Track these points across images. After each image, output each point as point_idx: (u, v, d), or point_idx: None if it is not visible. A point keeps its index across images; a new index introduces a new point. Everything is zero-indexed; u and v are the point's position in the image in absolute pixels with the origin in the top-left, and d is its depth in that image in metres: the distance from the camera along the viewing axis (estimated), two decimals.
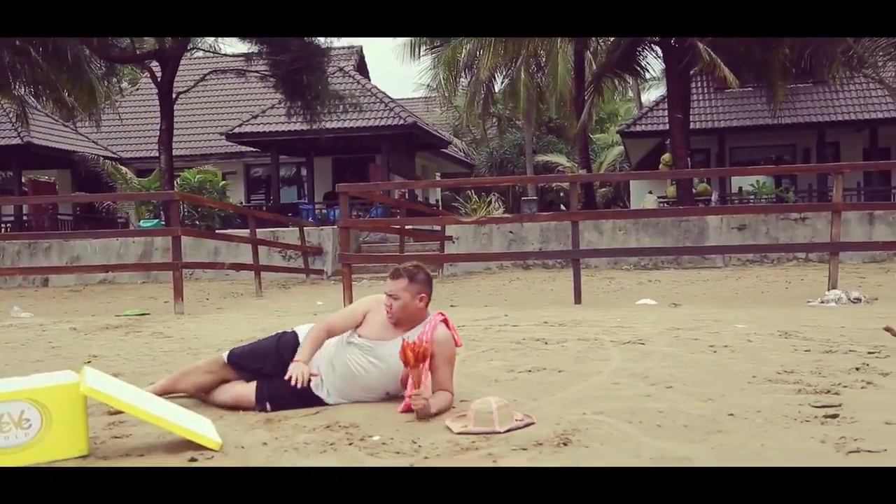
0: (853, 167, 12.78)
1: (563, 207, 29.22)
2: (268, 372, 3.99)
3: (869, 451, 2.82)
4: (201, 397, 4.12)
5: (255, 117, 24.21)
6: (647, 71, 24.35)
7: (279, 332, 4.24)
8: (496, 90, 30.62)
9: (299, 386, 3.74)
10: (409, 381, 3.80)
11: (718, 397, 3.75)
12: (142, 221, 19.91)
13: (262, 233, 14.53)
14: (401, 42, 31.71)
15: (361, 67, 30.46)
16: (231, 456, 3.20)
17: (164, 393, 4.12)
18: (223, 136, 24.67)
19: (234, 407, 3.94)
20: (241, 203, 24.77)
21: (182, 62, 21.08)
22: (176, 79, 20.03)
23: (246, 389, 3.95)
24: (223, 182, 23.01)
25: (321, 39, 19.11)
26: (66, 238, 16.49)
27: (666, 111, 24.24)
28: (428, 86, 37.57)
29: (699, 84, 24.24)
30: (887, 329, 4.17)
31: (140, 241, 16.51)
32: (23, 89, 20.63)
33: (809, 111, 22.87)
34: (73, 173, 25.29)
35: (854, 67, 18.18)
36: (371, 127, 23.29)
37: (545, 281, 12.12)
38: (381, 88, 25.87)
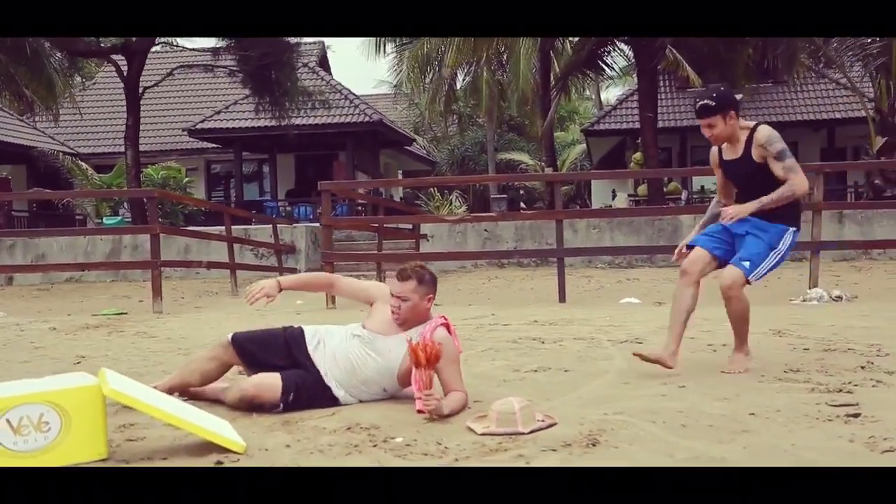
0: (834, 167, 12.97)
1: (523, 206, 29.34)
2: (274, 361, 3.93)
3: None
4: (218, 396, 4.04)
5: (217, 113, 23.96)
6: (612, 69, 24.58)
7: (284, 326, 4.17)
8: (458, 87, 30.65)
9: (255, 298, 3.86)
10: (416, 381, 3.80)
11: (734, 397, 3.78)
12: (105, 219, 19.59)
13: (232, 231, 14.32)
14: (366, 38, 31.57)
15: (324, 63, 30.29)
16: (256, 458, 3.16)
17: (175, 390, 4.06)
18: (185, 132, 24.37)
19: (252, 399, 3.79)
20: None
21: (148, 56, 20.77)
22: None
23: (270, 377, 3.82)
24: (186, 179, 22.77)
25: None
26: (32, 236, 16.14)
27: (629, 109, 24.55)
28: (390, 83, 37.65)
29: (662, 83, 24.51)
30: (638, 355, 4.37)
31: (108, 239, 16.23)
32: None
33: (769, 111, 23.23)
34: (28, 169, 24.74)
35: (819, 69, 18.49)
36: (336, 124, 23.18)
37: (524, 279, 12.16)
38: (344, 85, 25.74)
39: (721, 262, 4.44)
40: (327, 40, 32.47)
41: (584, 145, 29.44)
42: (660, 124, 22.37)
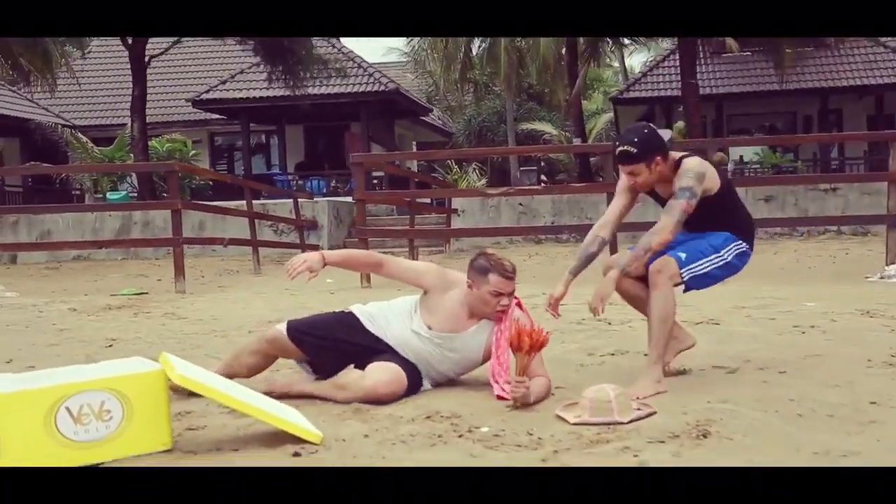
0: None
1: (544, 179, 29.11)
2: (343, 348, 3.85)
3: None
4: (303, 392, 3.86)
5: (223, 82, 23.76)
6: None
7: (333, 311, 4.08)
8: (474, 54, 30.39)
9: (297, 272, 3.74)
10: (497, 365, 3.76)
11: (846, 384, 3.65)
12: (109, 194, 19.51)
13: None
14: None
15: None
16: (334, 450, 3.06)
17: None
18: (188, 103, 24.22)
19: (380, 396, 3.66)
20: None
21: None
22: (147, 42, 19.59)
23: (390, 369, 3.71)
24: (192, 151, 22.66)
25: None
26: (37, 212, 16.07)
27: (659, 77, 24.31)
28: (401, 50, 37.39)
29: (696, 48, 24.23)
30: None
31: (117, 216, 16.18)
32: None
33: (812, 77, 22.91)
34: (23, 142, 24.64)
35: None
36: (350, 93, 22.98)
37: (566, 257, 11.99)
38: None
39: None
40: None
41: (611, 114, 29.15)
42: None
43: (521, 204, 15.02)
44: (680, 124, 20.18)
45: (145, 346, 5.54)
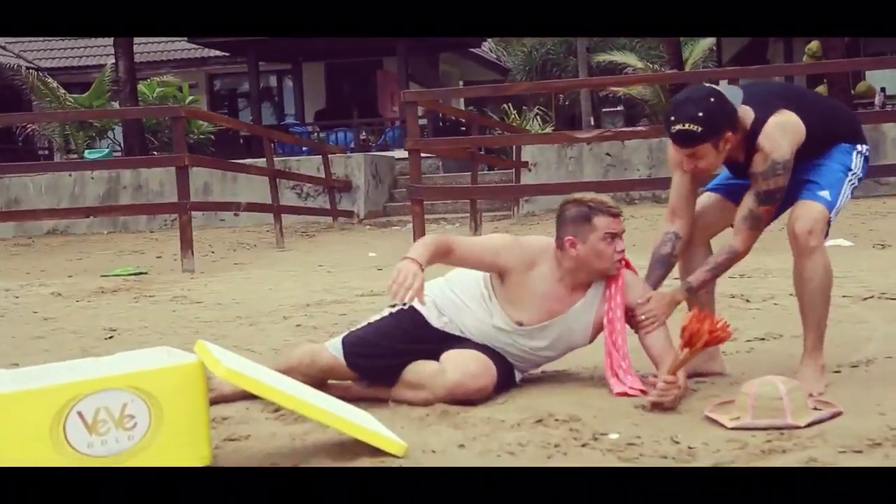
0: None
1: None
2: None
3: None
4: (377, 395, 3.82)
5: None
6: None
7: (387, 311, 3.93)
8: None
9: (407, 298, 3.44)
10: (615, 350, 3.70)
11: None
12: (87, 153, 19.61)
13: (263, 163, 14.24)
14: None
15: None
16: (424, 464, 2.96)
17: None
18: (183, 37, 24.23)
19: (467, 394, 3.62)
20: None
21: None
22: None
23: (478, 358, 3.67)
24: (190, 97, 22.71)
25: None
26: (2, 172, 16.19)
27: None
28: None
29: None
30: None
31: (101, 179, 16.25)
32: None
33: None
34: None
35: None
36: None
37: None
38: None
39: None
40: None
41: (711, 40, 28.75)
42: None
43: (608, 154, 14.68)
44: (813, 45, 19.70)
45: (155, 336, 5.55)
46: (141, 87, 21.49)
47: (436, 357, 3.70)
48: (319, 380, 3.81)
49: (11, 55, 25.46)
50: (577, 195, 3.78)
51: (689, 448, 3.00)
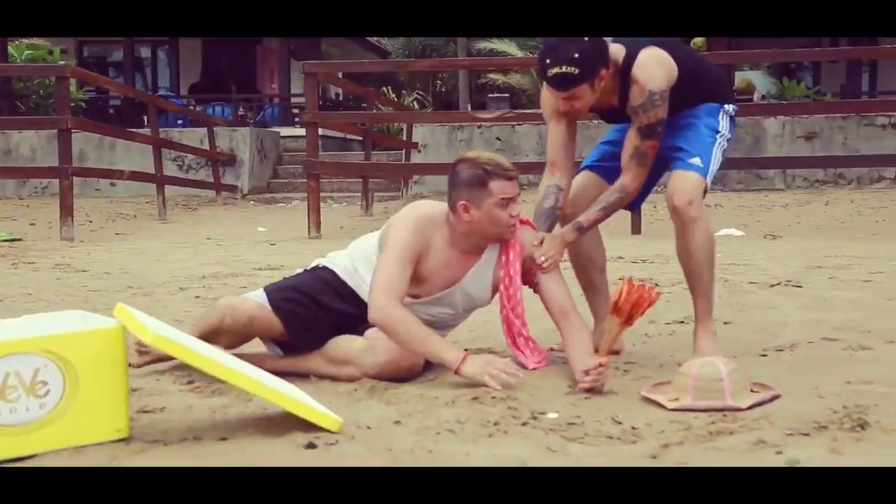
0: None
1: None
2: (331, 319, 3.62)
3: None
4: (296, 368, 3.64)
5: None
6: None
7: (307, 268, 3.83)
8: None
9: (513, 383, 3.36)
10: (516, 318, 3.67)
11: None
12: None
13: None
14: None
15: None
16: (360, 440, 2.80)
17: None
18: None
19: (398, 368, 3.50)
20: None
21: None
22: None
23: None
24: (62, 62, 21.92)
25: None
26: None
27: None
28: None
29: None
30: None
31: None
32: None
33: None
34: None
35: None
36: None
37: None
38: None
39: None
40: None
41: None
42: None
43: (498, 139, 14.76)
44: (699, 40, 19.97)
45: (42, 304, 5.30)
46: (10, 48, 20.70)
47: (354, 323, 3.58)
48: (243, 337, 3.68)
49: None
50: (472, 154, 3.66)
51: (633, 428, 2.90)
